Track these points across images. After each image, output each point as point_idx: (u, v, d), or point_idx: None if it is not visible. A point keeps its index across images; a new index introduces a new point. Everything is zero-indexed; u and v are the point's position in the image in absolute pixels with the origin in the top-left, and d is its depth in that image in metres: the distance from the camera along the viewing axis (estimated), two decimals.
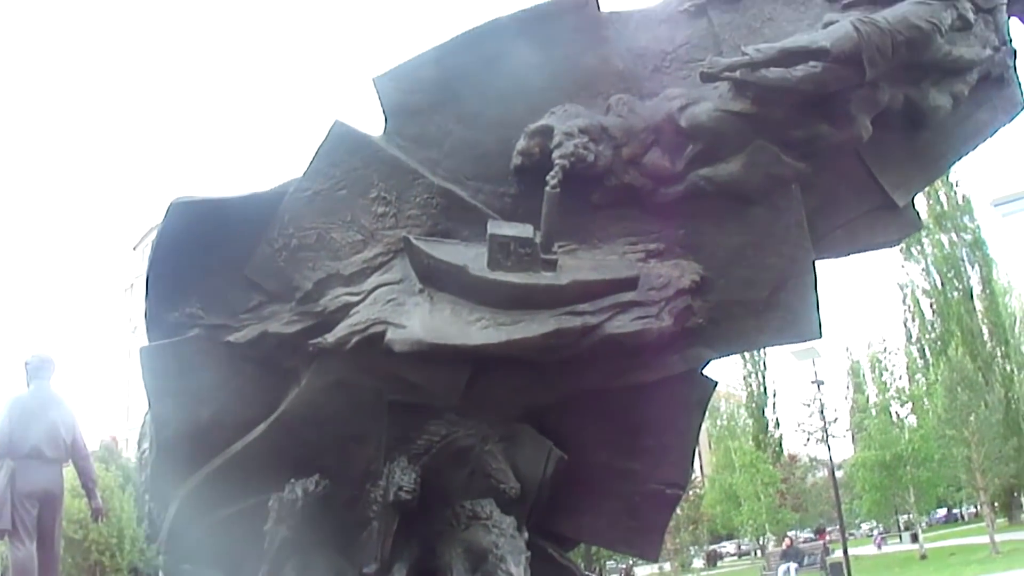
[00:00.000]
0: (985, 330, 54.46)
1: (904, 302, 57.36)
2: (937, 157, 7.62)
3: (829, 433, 39.70)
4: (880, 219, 7.44)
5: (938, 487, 48.52)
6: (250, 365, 7.29)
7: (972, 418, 39.56)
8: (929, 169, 7.75)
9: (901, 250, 56.24)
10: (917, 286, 56.67)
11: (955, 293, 54.66)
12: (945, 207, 55.81)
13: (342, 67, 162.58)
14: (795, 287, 6.96)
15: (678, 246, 6.79)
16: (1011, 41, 7.79)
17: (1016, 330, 62.05)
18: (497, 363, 6.61)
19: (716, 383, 7.69)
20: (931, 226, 54.66)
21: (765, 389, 59.72)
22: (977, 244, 56.04)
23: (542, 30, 6.92)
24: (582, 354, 6.48)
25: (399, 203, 6.98)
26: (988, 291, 55.37)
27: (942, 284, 55.22)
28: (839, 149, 6.88)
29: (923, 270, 56.14)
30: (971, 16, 7.10)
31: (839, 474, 43.60)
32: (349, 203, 7.06)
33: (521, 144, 6.70)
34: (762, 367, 59.30)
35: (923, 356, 57.33)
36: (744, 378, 60.38)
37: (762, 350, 56.25)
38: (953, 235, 55.63)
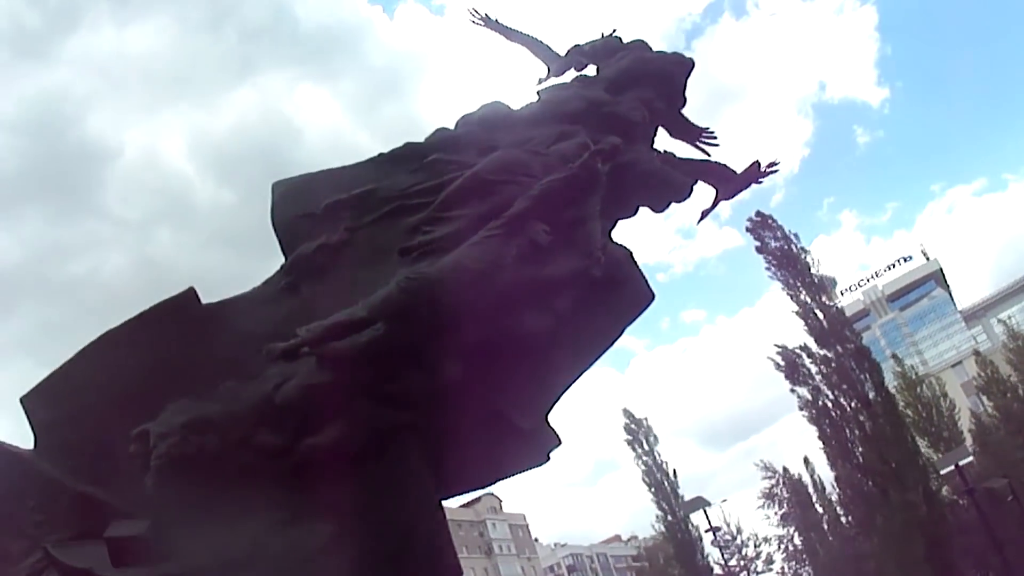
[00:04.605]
0: None
1: None
2: (557, 373, 7.93)
3: None
4: (514, 445, 7.70)
5: None
6: None
7: None
8: (551, 387, 8.01)
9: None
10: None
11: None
12: (825, 325, 57.87)
13: None
14: (425, 532, 7.18)
15: (305, 512, 7.00)
16: (611, 241, 8.38)
17: None
18: None
19: None
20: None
21: None
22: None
23: (149, 336, 7.34)
24: None
25: (52, 511, 7.17)
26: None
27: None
28: (442, 391, 7.13)
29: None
30: (541, 239, 7.49)
31: None
32: (15, 516, 7.23)
33: (131, 449, 6.99)
34: None
35: None
36: None
37: None
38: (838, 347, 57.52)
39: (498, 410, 7.54)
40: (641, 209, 9.34)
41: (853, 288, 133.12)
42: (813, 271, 58.74)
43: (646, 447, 71.67)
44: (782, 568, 59.82)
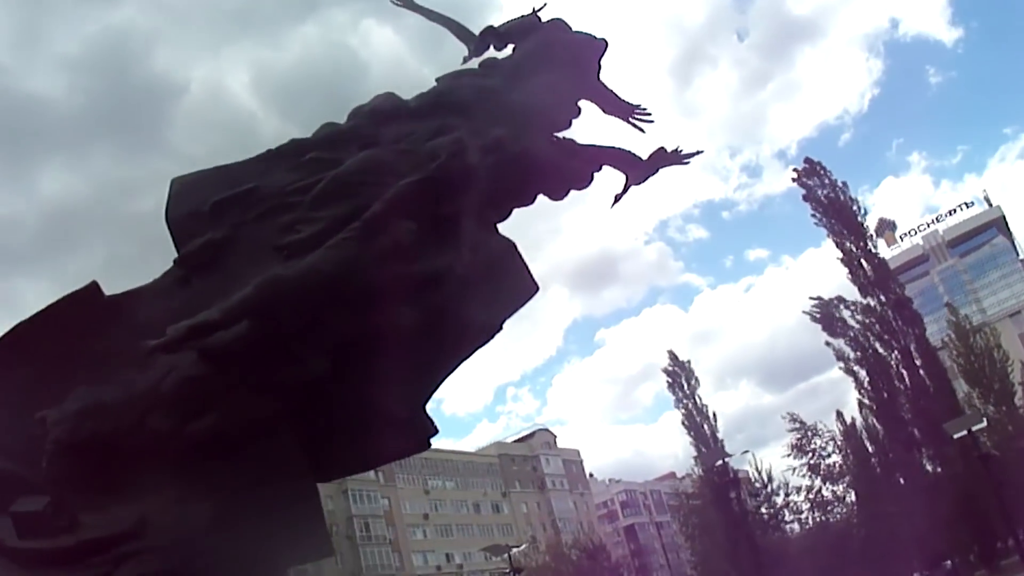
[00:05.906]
0: None
1: None
2: (432, 365, 8.38)
3: None
4: (391, 433, 8.18)
5: None
6: None
7: None
8: (427, 378, 8.46)
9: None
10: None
11: None
12: (870, 274, 57.35)
13: None
14: (302, 512, 7.80)
15: (192, 493, 7.63)
16: (496, 233, 8.72)
17: None
18: None
19: None
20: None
21: None
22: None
23: (56, 327, 7.94)
24: None
25: None
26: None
27: None
28: (316, 382, 7.68)
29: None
30: (405, 239, 7.77)
31: None
32: None
33: (36, 432, 7.67)
34: None
35: None
36: None
37: None
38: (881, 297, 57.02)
39: (374, 399, 8.03)
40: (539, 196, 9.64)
41: (913, 232, 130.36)
42: (859, 219, 58.10)
43: (687, 390, 72.38)
44: (806, 518, 60.04)
